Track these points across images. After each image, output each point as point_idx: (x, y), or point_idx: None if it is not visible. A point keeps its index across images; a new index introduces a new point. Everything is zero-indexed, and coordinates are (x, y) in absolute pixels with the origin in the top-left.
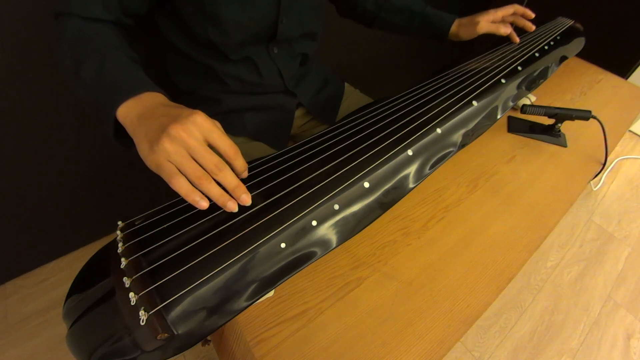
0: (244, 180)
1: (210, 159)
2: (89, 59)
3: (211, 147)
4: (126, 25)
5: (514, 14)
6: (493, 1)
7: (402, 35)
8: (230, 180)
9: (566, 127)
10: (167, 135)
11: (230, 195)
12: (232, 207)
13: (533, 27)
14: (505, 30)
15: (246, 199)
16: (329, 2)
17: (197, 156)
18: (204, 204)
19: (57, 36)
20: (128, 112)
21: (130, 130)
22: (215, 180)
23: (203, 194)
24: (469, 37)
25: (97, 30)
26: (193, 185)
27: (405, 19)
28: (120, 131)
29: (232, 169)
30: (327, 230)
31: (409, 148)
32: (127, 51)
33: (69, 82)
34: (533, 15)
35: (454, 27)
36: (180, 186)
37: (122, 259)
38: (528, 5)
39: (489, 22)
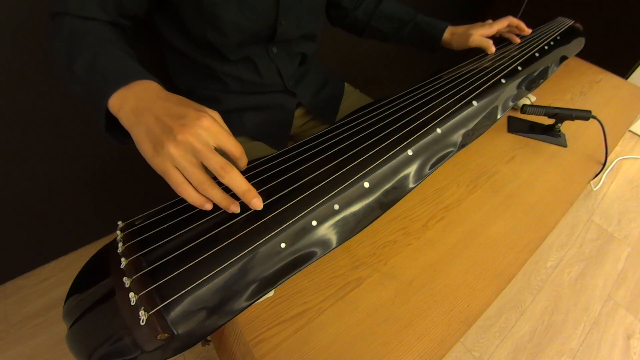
0: None
1: (216, 161)
2: (82, 54)
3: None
4: (124, 27)
5: (509, 26)
6: (493, 2)
7: (393, 43)
8: (239, 184)
9: (566, 127)
10: (173, 139)
11: (239, 199)
12: (235, 209)
13: (518, 40)
14: (493, 50)
15: (257, 203)
16: None
17: (203, 159)
18: (208, 206)
19: (53, 35)
20: (121, 104)
21: (126, 125)
22: (218, 181)
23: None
24: (461, 48)
25: (92, 27)
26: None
27: (396, 27)
28: (113, 125)
29: None
30: (327, 230)
31: (409, 148)
32: (121, 45)
33: (63, 79)
34: (528, 30)
35: (447, 35)
36: (188, 194)
37: (122, 259)
38: (528, 5)
39: (482, 36)
